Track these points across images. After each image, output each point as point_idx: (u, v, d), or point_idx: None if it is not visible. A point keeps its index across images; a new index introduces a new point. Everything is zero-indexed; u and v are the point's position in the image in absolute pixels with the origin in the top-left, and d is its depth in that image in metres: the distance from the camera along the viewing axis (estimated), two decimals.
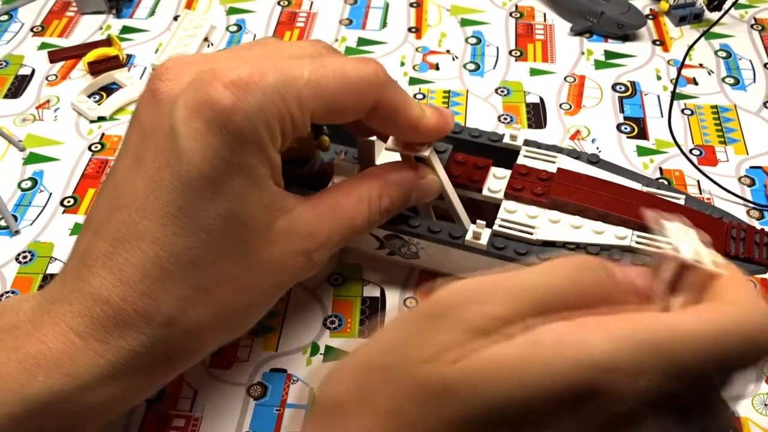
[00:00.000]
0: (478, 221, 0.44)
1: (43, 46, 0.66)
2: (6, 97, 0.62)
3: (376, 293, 0.48)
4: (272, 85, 0.32)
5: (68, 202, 0.54)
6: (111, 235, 0.33)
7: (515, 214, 0.45)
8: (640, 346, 0.23)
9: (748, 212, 0.52)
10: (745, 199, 0.53)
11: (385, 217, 0.40)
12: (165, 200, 0.32)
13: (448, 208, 0.44)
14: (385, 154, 0.50)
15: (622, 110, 0.60)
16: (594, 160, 0.48)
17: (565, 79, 0.62)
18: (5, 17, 0.69)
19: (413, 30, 0.67)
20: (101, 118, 0.60)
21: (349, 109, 0.36)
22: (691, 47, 0.64)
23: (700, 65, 0.64)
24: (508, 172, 0.47)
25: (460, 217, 0.45)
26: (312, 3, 0.71)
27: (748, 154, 0.56)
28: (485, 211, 0.46)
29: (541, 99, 0.61)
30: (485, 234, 0.44)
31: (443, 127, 0.40)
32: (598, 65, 0.64)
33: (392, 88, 0.37)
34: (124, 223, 0.32)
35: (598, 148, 0.57)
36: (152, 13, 0.70)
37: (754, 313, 0.25)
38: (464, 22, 0.68)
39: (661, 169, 0.55)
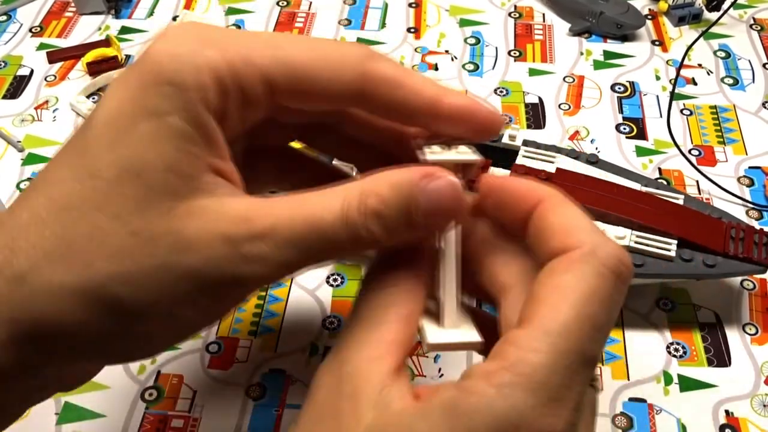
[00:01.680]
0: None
1: (41, 46, 0.66)
2: (5, 97, 0.62)
3: None
4: (217, 36, 0.27)
5: None
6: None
7: None
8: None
9: (747, 212, 0.52)
10: (744, 200, 0.53)
11: (376, 222, 0.26)
12: (72, 144, 0.28)
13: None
14: None
15: (621, 110, 0.60)
16: (593, 161, 0.48)
17: (564, 79, 0.62)
18: (4, 18, 0.69)
19: (412, 30, 0.67)
20: None
21: (322, 81, 0.27)
22: (690, 47, 0.64)
23: (699, 65, 0.64)
24: (507, 173, 0.47)
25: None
26: (311, 3, 0.71)
27: (747, 154, 0.56)
28: None
29: (540, 99, 0.61)
30: None
31: (481, 112, 0.29)
32: (597, 65, 0.64)
33: (386, 59, 0.29)
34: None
35: (597, 149, 0.57)
36: (151, 13, 0.70)
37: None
38: (463, 23, 0.68)
39: (660, 169, 0.55)
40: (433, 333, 0.28)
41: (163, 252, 0.26)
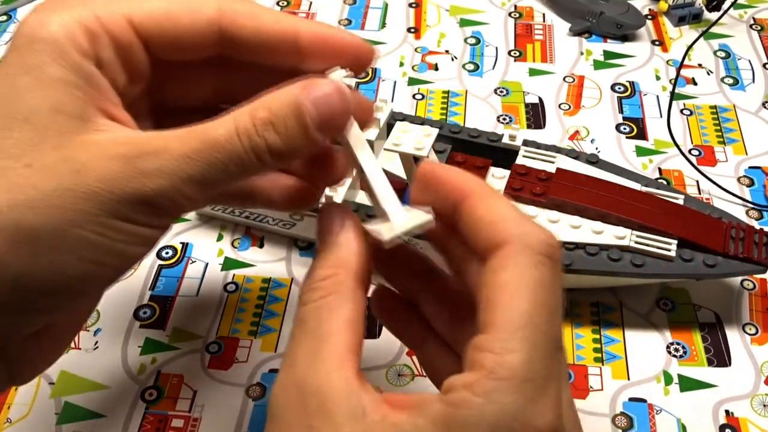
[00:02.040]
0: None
1: None
2: None
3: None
4: None
5: None
6: None
7: None
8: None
9: (747, 212, 0.52)
10: (744, 199, 0.53)
11: (271, 131, 0.27)
12: None
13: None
14: (385, 155, 0.50)
15: (621, 110, 0.60)
16: (593, 161, 0.48)
17: (564, 79, 0.62)
18: (4, 17, 0.69)
19: (412, 30, 0.67)
20: None
21: (183, 23, 0.29)
22: (690, 47, 0.64)
23: (699, 65, 0.64)
24: (507, 173, 0.47)
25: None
26: (311, 3, 0.71)
27: (747, 154, 0.56)
28: None
29: (540, 99, 0.61)
30: None
31: (343, 39, 0.30)
32: (597, 65, 0.64)
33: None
34: None
35: (597, 149, 0.57)
36: None
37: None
38: (463, 23, 0.68)
39: (660, 169, 0.55)
40: (386, 229, 0.28)
41: (60, 175, 0.26)
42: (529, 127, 0.59)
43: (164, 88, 0.32)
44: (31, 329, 0.29)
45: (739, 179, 0.55)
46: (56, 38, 0.27)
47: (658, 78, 0.62)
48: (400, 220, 0.28)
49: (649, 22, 0.68)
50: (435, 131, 0.43)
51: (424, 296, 0.32)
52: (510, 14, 0.69)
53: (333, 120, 0.28)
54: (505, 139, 0.49)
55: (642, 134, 0.58)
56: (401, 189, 0.48)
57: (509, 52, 0.65)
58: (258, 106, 0.28)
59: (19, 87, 0.27)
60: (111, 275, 0.28)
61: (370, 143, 0.48)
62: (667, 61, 0.64)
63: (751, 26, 0.68)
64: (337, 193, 0.45)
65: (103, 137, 0.27)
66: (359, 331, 0.28)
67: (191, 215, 0.52)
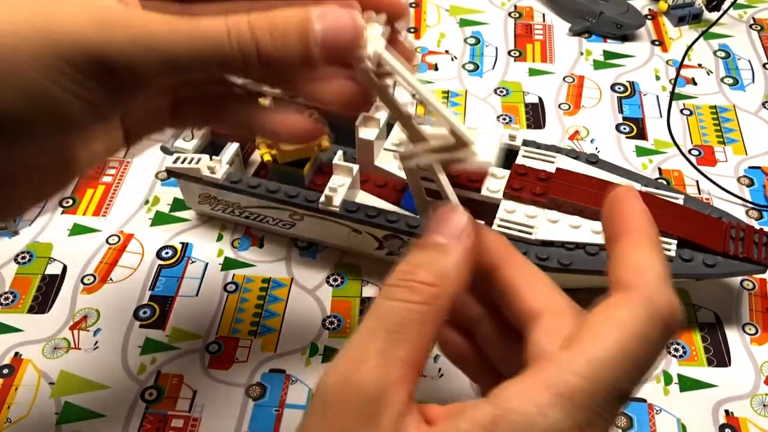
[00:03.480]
0: (477, 221, 0.43)
1: None
2: None
3: (375, 293, 0.48)
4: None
5: (67, 202, 0.54)
6: None
7: (514, 214, 0.45)
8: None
9: (747, 212, 0.52)
10: (743, 199, 0.53)
11: (267, 36, 0.27)
12: None
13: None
14: (385, 155, 0.50)
15: (621, 110, 0.60)
16: (593, 160, 0.48)
17: (564, 79, 0.62)
18: None
19: (412, 30, 0.67)
20: None
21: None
22: (690, 47, 0.64)
23: (699, 65, 0.64)
24: (507, 172, 0.47)
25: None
26: None
27: (746, 154, 0.56)
28: (484, 211, 0.46)
29: (540, 99, 0.61)
30: None
31: None
32: (597, 65, 0.64)
33: None
34: None
35: (597, 149, 0.57)
36: None
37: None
38: (463, 23, 0.68)
39: (660, 169, 0.55)
40: (472, 152, 0.28)
41: (29, 13, 0.26)
42: (529, 127, 0.59)
43: None
44: None
45: (738, 179, 0.55)
46: None
47: (658, 78, 0.62)
48: (483, 140, 0.29)
49: (649, 22, 0.68)
50: None
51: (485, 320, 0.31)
52: (510, 14, 0.69)
53: (337, 45, 0.27)
54: (505, 139, 0.49)
55: (642, 134, 0.58)
56: (401, 189, 0.48)
57: (509, 52, 0.65)
58: (260, 15, 0.27)
59: None
60: (49, 126, 0.28)
61: (370, 143, 0.49)
62: (667, 61, 0.64)
63: (751, 26, 0.68)
64: (337, 193, 0.45)
65: None
66: (427, 351, 0.27)
67: (191, 215, 0.52)
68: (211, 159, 0.47)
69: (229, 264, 0.50)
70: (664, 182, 0.54)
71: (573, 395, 0.24)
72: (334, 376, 0.26)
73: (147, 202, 0.54)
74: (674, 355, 0.45)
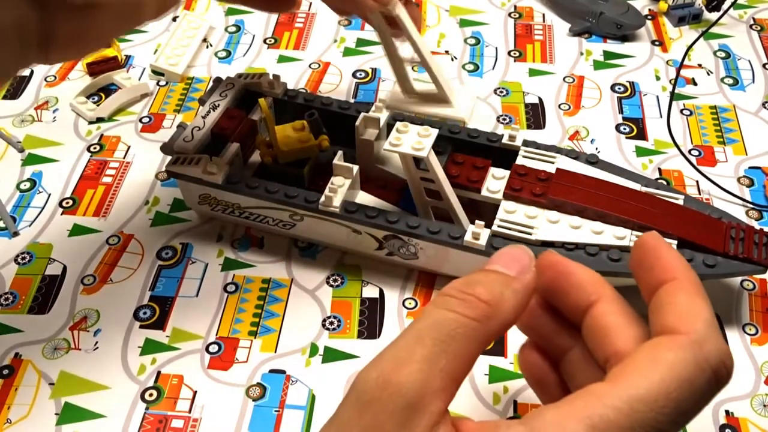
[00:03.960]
0: (477, 222, 0.44)
1: None
2: (5, 98, 0.62)
3: (375, 294, 0.48)
4: None
5: (67, 203, 0.54)
6: None
7: (514, 215, 0.45)
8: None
9: (747, 212, 0.52)
10: (743, 200, 0.53)
11: None
12: None
13: (446, 208, 0.44)
14: (384, 155, 0.50)
15: (621, 111, 0.60)
16: (593, 161, 0.48)
17: (564, 79, 0.62)
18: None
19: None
20: (100, 119, 0.60)
21: None
22: (690, 47, 0.64)
23: (699, 65, 0.64)
24: (507, 173, 0.47)
25: (459, 216, 0.44)
26: (311, 3, 0.71)
27: (747, 154, 0.56)
28: (484, 211, 0.46)
29: (540, 99, 0.61)
30: (484, 234, 0.44)
31: None
32: (597, 66, 0.64)
33: None
34: None
35: (597, 149, 0.57)
36: None
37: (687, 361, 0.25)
38: (463, 23, 0.68)
39: (660, 169, 0.55)
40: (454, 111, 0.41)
41: None
42: (529, 127, 0.59)
43: None
44: None
45: (739, 179, 0.55)
46: None
47: (658, 78, 0.62)
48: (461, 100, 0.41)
49: (649, 23, 0.68)
50: (435, 131, 0.43)
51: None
52: (510, 14, 0.69)
53: None
54: (505, 139, 0.49)
55: (642, 134, 0.58)
56: (401, 189, 0.48)
57: (509, 53, 0.65)
58: None
59: None
60: None
61: (370, 143, 0.49)
62: (667, 62, 0.64)
63: (751, 26, 0.68)
64: (337, 193, 0.45)
65: None
66: (469, 368, 0.27)
67: (191, 216, 0.52)
68: (211, 159, 0.47)
69: (229, 264, 0.50)
70: (664, 182, 0.54)
71: (607, 428, 0.24)
72: (374, 374, 0.26)
73: (147, 202, 0.54)
74: None
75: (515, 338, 0.44)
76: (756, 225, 0.51)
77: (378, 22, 0.43)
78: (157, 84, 0.63)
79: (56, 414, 0.43)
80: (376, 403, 0.25)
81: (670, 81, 0.62)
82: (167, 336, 0.46)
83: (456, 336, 0.26)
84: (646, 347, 0.26)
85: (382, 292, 0.48)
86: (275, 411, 0.43)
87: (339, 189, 0.46)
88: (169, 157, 0.49)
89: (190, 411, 0.43)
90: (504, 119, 0.59)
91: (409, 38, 0.43)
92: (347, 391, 0.26)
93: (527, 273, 0.28)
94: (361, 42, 0.66)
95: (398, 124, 0.43)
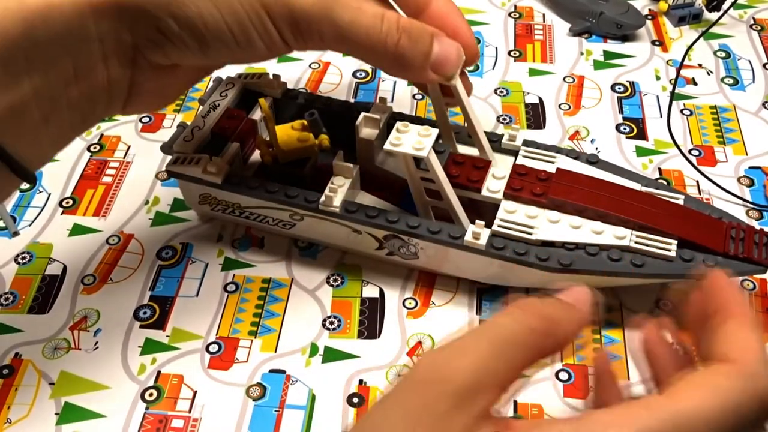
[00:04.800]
0: (477, 221, 0.44)
1: None
2: None
3: (376, 294, 0.48)
4: None
5: (67, 203, 0.54)
6: None
7: (514, 215, 0.45)
8: None
9: (747, 212, 0.52)
10: (744, 200, 0.53)
11: (406, 35, 0.38)
12: None
13: (446, 208, 0.44)
14: (385, 155, 0.50)
15: (621, 110, 0.60)
16: (593, 161, 0.48)
17: (564, 79, 0.62)
18: None
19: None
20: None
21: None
22: (690, 47, 0.64)
23: (700, 65, 0.64)
24: (507, 173, 0.47)
25: (459, 216, 0.44)
26: None
27: (747, 154, 0.56)
28: (484, 211, 0.46)
29: (540, 99, 0.61)
30: (484, 234, 0.44)
31: (465, 33, 0.43)
32: (597, 65, 0.64)
33: None
34: None
35: (597, 149, 0.57)
36: None
37: (756, 375, 0.27)
38: None
39: (660, 169, 0.55)
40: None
41: None
42: (529, 127, 0.59)
43: None
44: (163, 57, 0.36)
45: (739, 179, 0.55)
46: None
47: (658, 78, 0.62)
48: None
49: (649, 22, 0.68)
50: (435, 131, 0.43)
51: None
52: (510, 14, 0.69)
53: (443, 65, 0.40)
54: (505, 139, 0.49)
55: (642, 134, 0.58)
56: (401, 189, 0.48)
57: (509, 52, 0.65)
58: (405, 18, 0.38)
59: None
60: (232, 52, 0.37)
61: (370, 143, 0.49)
62: (667, 61, 0.64)
63: (751, 26, 0.68)
64: (337, 193, 0.45)
65: None
66: (515, 380, 0.28)
67: (191, 216, 0.52)
68: (211, 159, 0.47)
69: (229, 264, 0.50)
70: (665, 182, 0.54)
71: None
72: (430, 359, 0.27)
73: (147, 202, 0.54)
74: None
75: None
76: (756, 225, 0.51)
77: (434, 92, 0.46)
78: None
79: (56, 414, 0.43)
80: (432, 384, 0.26)
81: (670, 81, 0.62)
82: (167, 336, 0.46)
83: (512, 342, 0.28)
84: (703, 370, 0.27)
85: (382, 292, 0.48)
86: (275, 411, 0.43)
87: (339, 189, 0.46)
88: (169, 157, 0.49)
89: (190, 411, 0.43)
90: (504, 119, 0.59)
91: (462, 108, 0.45)
92: (401, 380, 0.27)
93: (586, 310, 0.31)
94: None
95: (398, 124, 0.43)
